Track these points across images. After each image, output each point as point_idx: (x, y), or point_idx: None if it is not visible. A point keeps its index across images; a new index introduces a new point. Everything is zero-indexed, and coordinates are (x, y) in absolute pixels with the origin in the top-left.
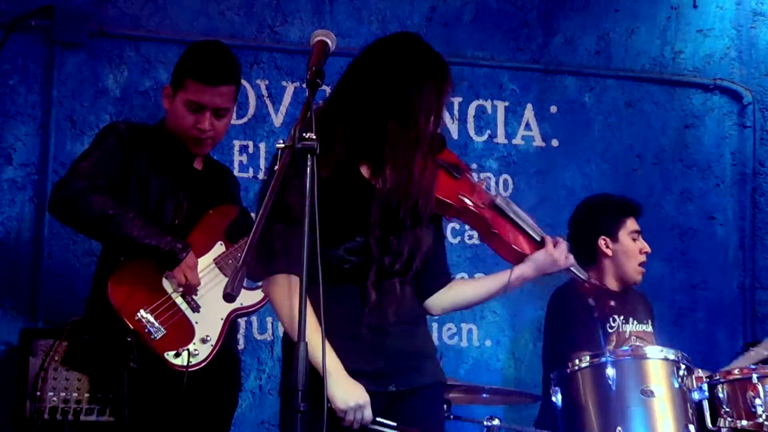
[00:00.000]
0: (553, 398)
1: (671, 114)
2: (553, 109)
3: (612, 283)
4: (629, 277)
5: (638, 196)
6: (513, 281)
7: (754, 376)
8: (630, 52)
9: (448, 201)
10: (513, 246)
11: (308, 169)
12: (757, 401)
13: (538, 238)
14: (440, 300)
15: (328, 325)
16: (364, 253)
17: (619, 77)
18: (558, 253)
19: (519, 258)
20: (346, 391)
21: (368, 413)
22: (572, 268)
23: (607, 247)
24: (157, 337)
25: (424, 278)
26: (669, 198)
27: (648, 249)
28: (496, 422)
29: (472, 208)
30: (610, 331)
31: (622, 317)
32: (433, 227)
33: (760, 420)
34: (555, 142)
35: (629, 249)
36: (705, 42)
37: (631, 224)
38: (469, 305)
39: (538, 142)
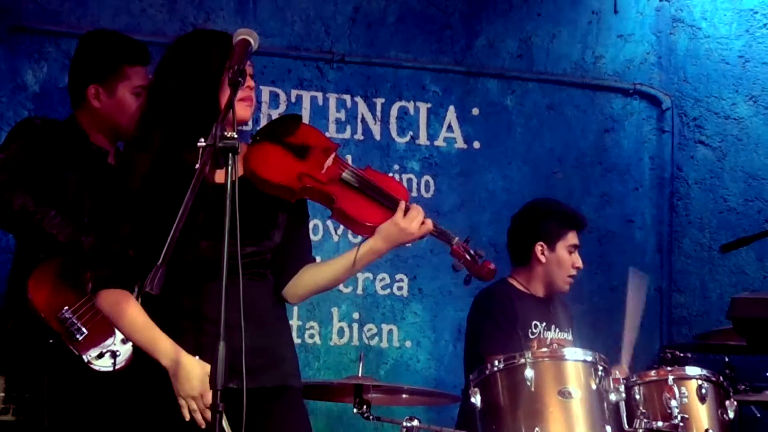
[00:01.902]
0: (472, 399)
1: (591, 118)
2: (475, 111)
3: (538, 289)
4: (557, 287)
5: (558, 198)
6: (363, 256)
7: (670, 377)
8: (552, 56)
9: (284, 185)
10: (360, 220)
11: (229, 167)
12: (673, 402)
13: (393, 208)
14: (295, 287)
15: (175, 320)
16: (210, 250)
17: (541, 81)
18: (407, 222)
19: (371, 232)
20: (186, 381)
21: (208, 398)
22: (435, 235)
23: (543, 253)
24: (80, 339)
25: (279, 268)
26: (588, 201)
27: (581, 265)
28: (415, 423)
29: (315, 186)
30: (531, 337)
31: (544, 324)
32: (286, 214)
33: (675, 421)
34: (477, 144)
35: (563, 260)
36: (625, 47)
37: (572, 237)
38: (326, 288)
39: (460, 143)
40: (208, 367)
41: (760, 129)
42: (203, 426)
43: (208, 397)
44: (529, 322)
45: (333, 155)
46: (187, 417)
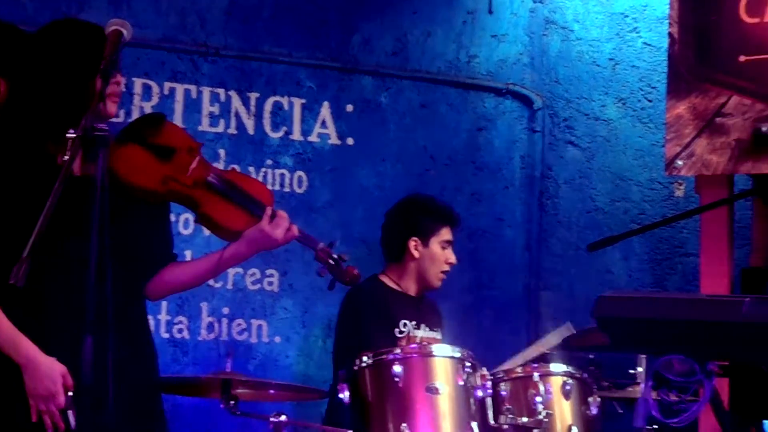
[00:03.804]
0: (341, 395)
1: (464, 116)
2: (350, 107)
3: (410, 286)
4: (429, 282)
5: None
6: (226, 259)
7: (536, 374)
8: (426, 55)
9: (148, 189)
10: (225, 226)
11: (99, 160)
12: (538, 398)
13: (259, 213)
14: (155, 285)
15: (37, 314)
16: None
17: (415, 79)
18: (273, 228)
19: (234, 237)
20: (39, 380)
21: (61, 400)
22: (300, 241)
23: (416, 249)
24: None
25: (139, 266)
26: (460, 199)
27: (454, 261)
28: (283, 418)
29: (180, 189)
30: (400, 335)
31: (414, 322)
32: (145, 211)
33: (540, 417)
34: (350, 141)
35: (436, 256)
36: (499, 47)
37: (446, 233)
38: (187, 287)
39: (334, 140)
40: (62, 367)
41: (628, 131)
42: (50, 428)
43: (61, 399)
44: (398, 321)
45: (198, 157)
46: (35, 418)
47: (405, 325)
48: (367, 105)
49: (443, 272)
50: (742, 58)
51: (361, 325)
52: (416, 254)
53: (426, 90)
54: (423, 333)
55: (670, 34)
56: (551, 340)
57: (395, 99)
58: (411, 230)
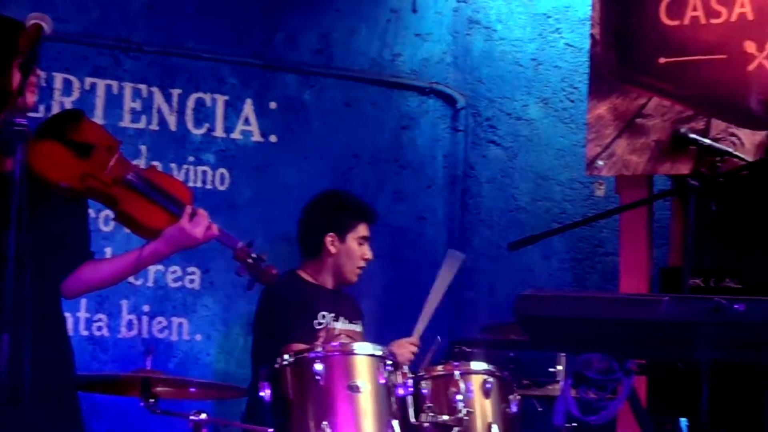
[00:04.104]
0: (262, 393)
1: (388, 115)
2: (273, 105)
3: (327, 280)
4: (345, 277)
5: (353, 194)
6: (145, 258)
7: (456, 372)
8: (350, 53)
9: (66, 186)
10: (144, 224)
11: (17, 155)
12: (459, 397)
13: (178, 212)
14: (71, 283)
15: None
16: None
17: (339, 77)
18: (192, 226)
19: (153, 235)
20: None
21: None
22: (219, 240)
23: (333, 244)
24: None
25: (54, 263)
26: (382, 197)
27: (370, 257)
28: (203, 416)
29: (98, 187)
30: (318, 327)
31: (332, 315)
32: (62, 208)
33: (460, 415)
34: (273, 138)
35: (353, 252)
36: (423, 46)
37: (362, 230)
38: (104, 286)
39: (257, 137)
40: None
41: (549, 131)
42: None
43: None
44: (317, 313)
45: (117, 154)
46: None
47: (324, 316)
48: (290, 102)
49: (359, 268)
50: (662, 60)
51: (280, 318)
52: (333, 250)
53: (350, 88)
54: (342, 325)
55: (592, 35)
56: (446, 275)
57: (319, 97)
58: (328, 226)
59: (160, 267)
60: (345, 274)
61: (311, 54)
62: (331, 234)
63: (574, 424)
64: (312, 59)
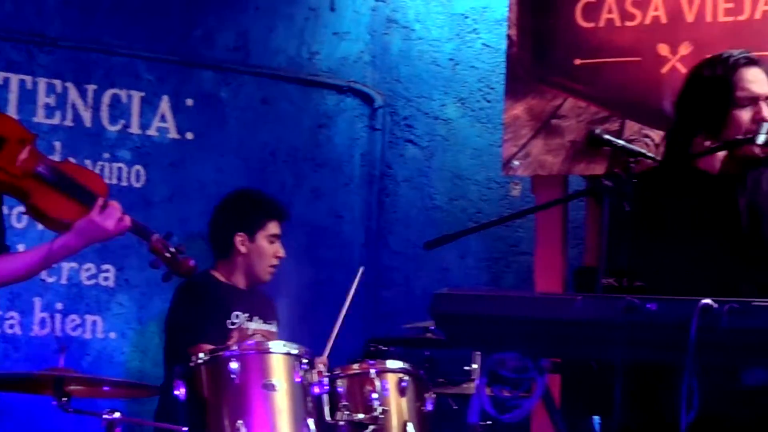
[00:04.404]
0: (176, 392)
1: (305, 113)
2: (190, 102)
3: (240, 280)
4: (258, 277)
5: (270, 193)
6: (56, 250)
7: (372, 371)
8: (268, 50)
9: None
10: (54, 217)
11: None
12: (374, 395)
13: (90, 203)
14: None
15: None
16: None
17: (257, 74)
18: (104, 218)
19: (65, 228)
20: None
21: None
22: (133, 232)
23: (243, 244)
24: None
25: None
26: (299, 195)
27: (282, 254)
28: (117, 415)
29: (7, 180)
30: (232, 327)
31: (246, 315)
32: None
33: (376, 413)
34: (190, 135)
35: (264, 251)
36: (341, 45)
37: (272, 227)
38: (17, 280)
39: (173, 134)
40: None
41: (466, 130)
42: None
43: None
44: (230, 313)
45: (29, 147)
46: None
47: (237, 316)
48: (207, 99)
49: (272, 266)
50: (577, 62)
51: (194, 318)
52: (243, 249)
53: (267, 86)
54: (256, 325)
55: (509, 36)
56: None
57: (236, 94)
58: (237, 226)
59: (73, 264)
60: (257, 273)
61: (229, 51)
62: (240, 234)
63: (489, 422)
64: (229, 56)
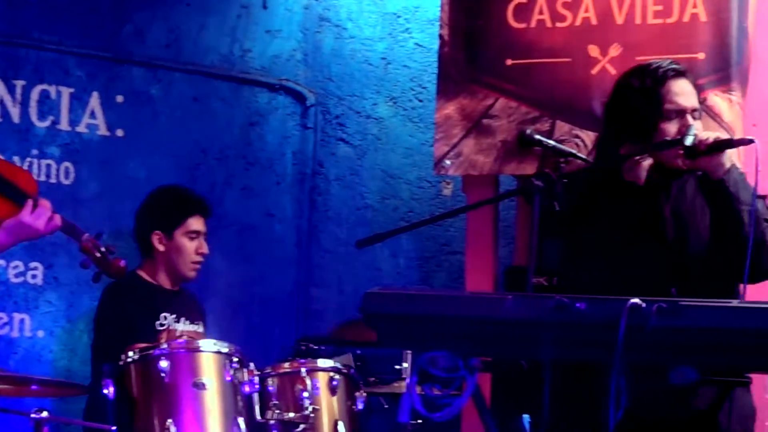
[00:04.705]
0: (105, 391)
1: (237, 111)
2: (120, 98)
3: (164, 279)
4: (181, 274)
5: (201, 191)
6: None
7: (303, 370)
8: (200, 47)
9: None
10: None
11: None
12: (305, 394)
13: (20, 202)
14: None
15: None
16: None
17: (188, 71)
18: (34, 218)
19: None
20: None
21: None
22: (63, 231)
23: (161, 242)
24: None
25: None
26: (230, 193)
27: (205, 250)
28: (44, 414)
29: None
30: (160, 328)
31: (174, 316)
32: None
33: (306, 412)
34: (120, 132)
35: (183, 248)
36: (273, 42)
37: (193, 223)
38: None
39: (103, 131)
40: None
41: (398, 130)
42: None
43: None
44: (158, 314)
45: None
46: None
47: (165, 318)
48: (138, 97)
49: (195, 263)
50: (509, 62)
51: (123, 320)
52: (161, 248)
53: (198, 83)
54: (183, 326)
55: (441, 36)
56: None
57: (167, 91)
58: (153, 224)
59: (1, 261)
60: (180, 270)
61: (160, 48)
62: (157, 232)
63: (420, 421)
64: (160, 53)
